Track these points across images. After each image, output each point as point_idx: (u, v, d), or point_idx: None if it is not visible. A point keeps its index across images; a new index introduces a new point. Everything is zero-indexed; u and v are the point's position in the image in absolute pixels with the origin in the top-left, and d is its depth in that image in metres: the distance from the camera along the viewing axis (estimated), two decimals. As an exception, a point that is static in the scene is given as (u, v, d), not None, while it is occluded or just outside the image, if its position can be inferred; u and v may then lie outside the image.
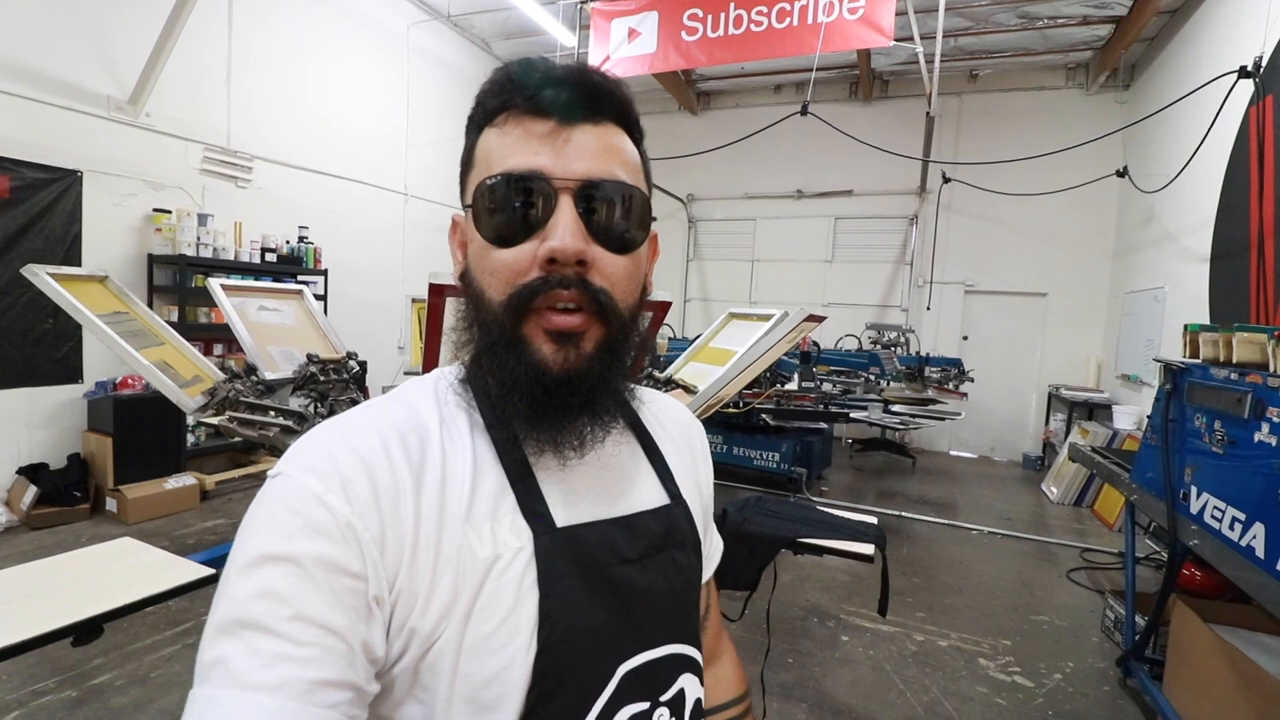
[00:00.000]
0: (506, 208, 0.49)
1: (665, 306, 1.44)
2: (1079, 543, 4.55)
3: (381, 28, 6.21)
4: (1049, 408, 7.16)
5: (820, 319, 2.32)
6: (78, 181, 4.08)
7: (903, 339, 6.62)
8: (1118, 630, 3.09)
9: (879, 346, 6.42)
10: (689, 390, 2.33)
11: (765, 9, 4.87)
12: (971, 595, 3.61)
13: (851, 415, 4.92)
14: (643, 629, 0.54)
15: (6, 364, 3.84)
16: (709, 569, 0.71)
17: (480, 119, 0.52)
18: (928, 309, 7.66)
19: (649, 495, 0.60)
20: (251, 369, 2.74)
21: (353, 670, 0.41)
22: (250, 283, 3.33)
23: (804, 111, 4.70)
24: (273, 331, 3.11)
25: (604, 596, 0.51)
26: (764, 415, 4.58)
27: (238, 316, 2.97)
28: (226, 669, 0.39)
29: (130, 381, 4.25)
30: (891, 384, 5.98)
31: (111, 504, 4.03)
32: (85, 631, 1.47)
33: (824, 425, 5.59)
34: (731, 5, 4.96)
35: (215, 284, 3.00)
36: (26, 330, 3.88)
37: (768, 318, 2.68)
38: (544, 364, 0.49)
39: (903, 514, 5.02)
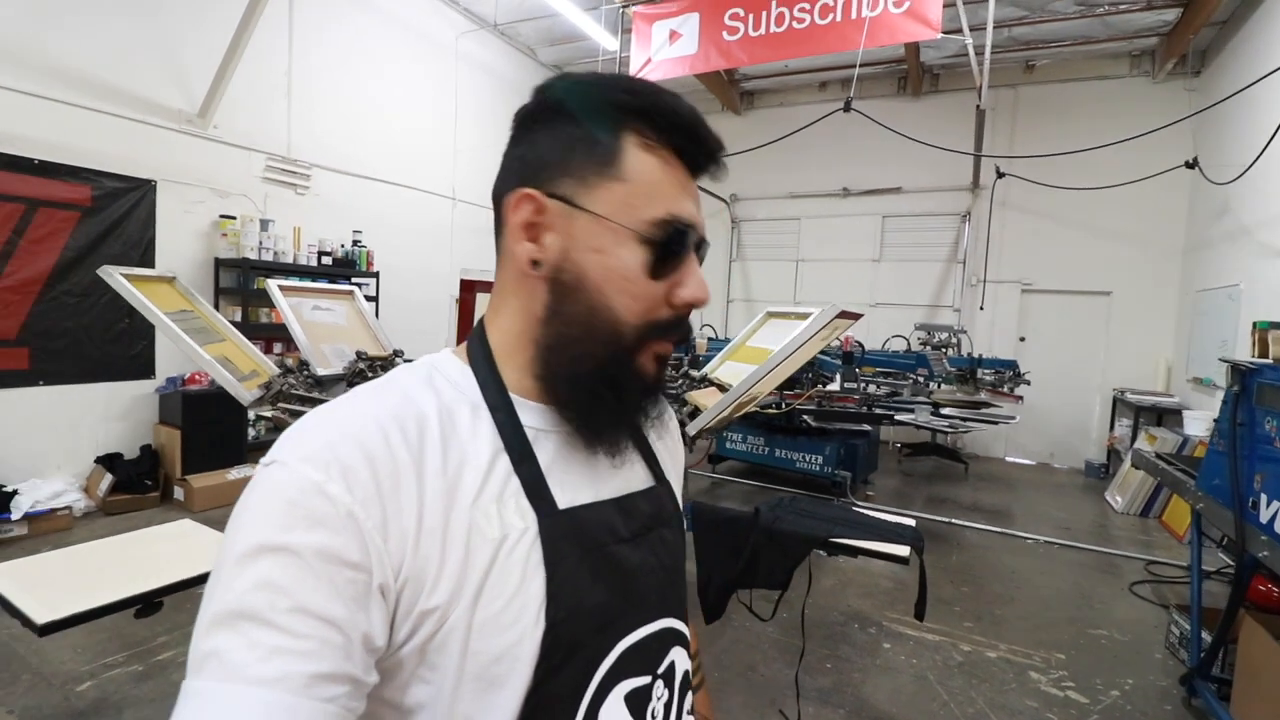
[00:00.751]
0: (672, 247, 0.53)
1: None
2: (1144, 555, 4.30)
3: (431, 38, 6.42)
4: (1114, 412, 6.79)
5: (856, 316, 2.27)
6: (152, 190, 4.36)
7: (954, 340, 6.40)
8: (1183, 647, 2.91)
9: (928, 348, 6.22)
10: (722, 388, 2.32)
11: (808, 6, 4.81)
12: (1024, 606, 3.46)
13: (897, 418, 4.79)
14: (640, 605, 0.56)
15: (88, 360, 4.13)
16: None
17: (617, 121, 0.52)
18: (981, 309, 7.39)
19: (638, 477, 0.62)
20: (304, 365, 2.87)
21: (351, 663, 0.41)
22: (305, 284, 3.48)
23: (847, 108, 4.61)
24: (325, 330, 3.25)
25: (604, 575, 0.53)
26: (805, 417, 4.51)
27: (293, 315, 3.11)
28: (222, 661, 0.38)
29: (198, 378, 4.51)
30: (942, 386, 5.79)
31: (179, 492, 4.28)
32: (147, 605, 1.58)
33: (868, 428, 5.46)
34: (773, 3, 4.92)
35: (273, 285, 3.15)
36: (105, 329, 4.16)
37: (805, 316, 2.64)
38: (649, 379, 0.56)
39: (953, 521, 4.86)
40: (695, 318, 7.77)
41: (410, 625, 0.45)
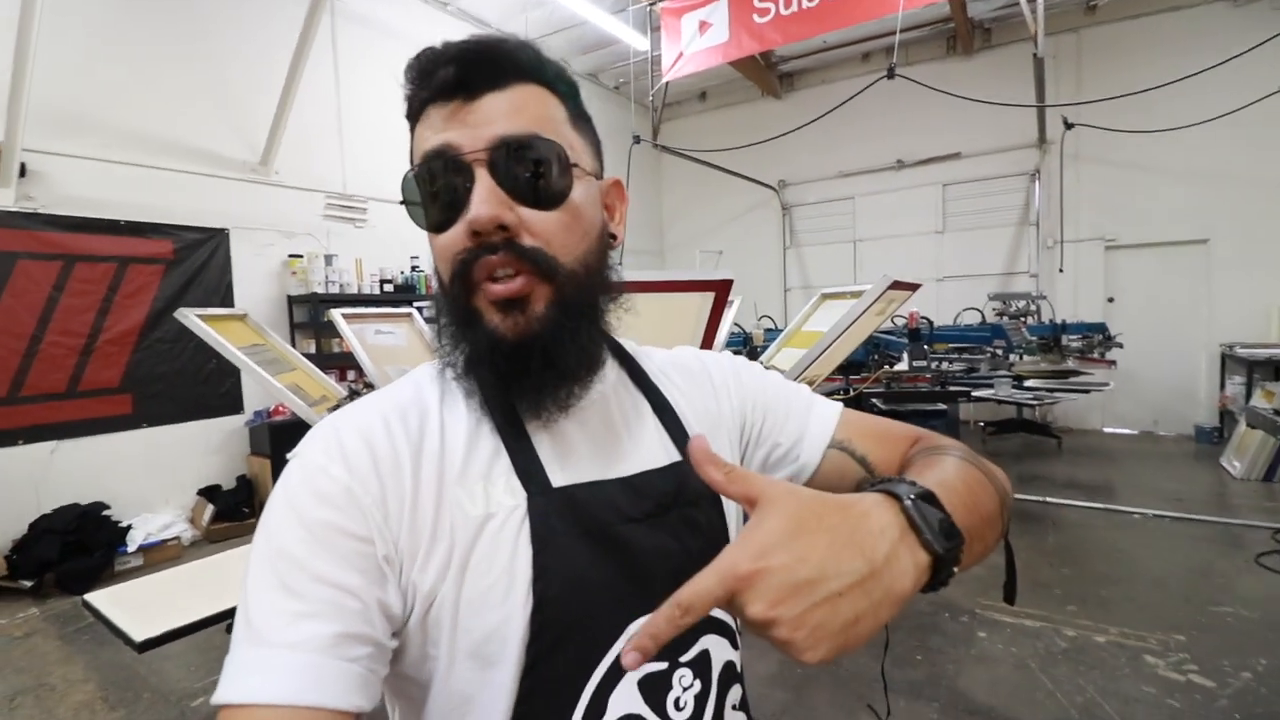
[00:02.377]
0: (431, 192, 0.50)
1: (726, 285, 1.40)
2: (1271, 523, 3.88)
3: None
4: (1223, 370, 6.18)
5: (913, 286, 2.15)
6: (226, 238, 4.67)
7: (1033, 307, 6.01)
8: (1328, 622, 2.60)
9: (1005, 318, 5.87)
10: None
11: (839, -26, 4.65)
12: (1134, 586, 3.19)
13: (975, 394, 4.53)
14: (652, 587, 0.52)
15: (183, 401, 4.46)
16: (812, 458, 0.63)
17: (411, 123, 0.53)
18: (1060, 271, 6.90)
19: (656, 453, 0.58)
20: (369, 386, 2.99)
21: (371, 626, 0.44)
22: (367, 310, 3.64)
23: (891, 75, 4.41)
24: (387, 352, 3.38)
25: (607, 555, 0.51)
26: (873, 400, 4.33)
27: (357, 341, 3.26)
28: (253, 630, 0.42)
29: (281, 409, 4.78)
30: (1024, 357, 5.44)
31: (273, 519, 4.54)
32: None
33: (944, 407, 5.19)
34: (803, -23, 4.78)
35: (337, 314, 3.31)
36: (196, 371, 4.48)
37: (860, 294, 2.53)
38: (496, 332, 0.50)
39: (1048, 499, 4.54)
40: (750, 309, 7.66)
41: (410, 598, 0.47)
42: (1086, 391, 4.82)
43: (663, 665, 0.52)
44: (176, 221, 4.40)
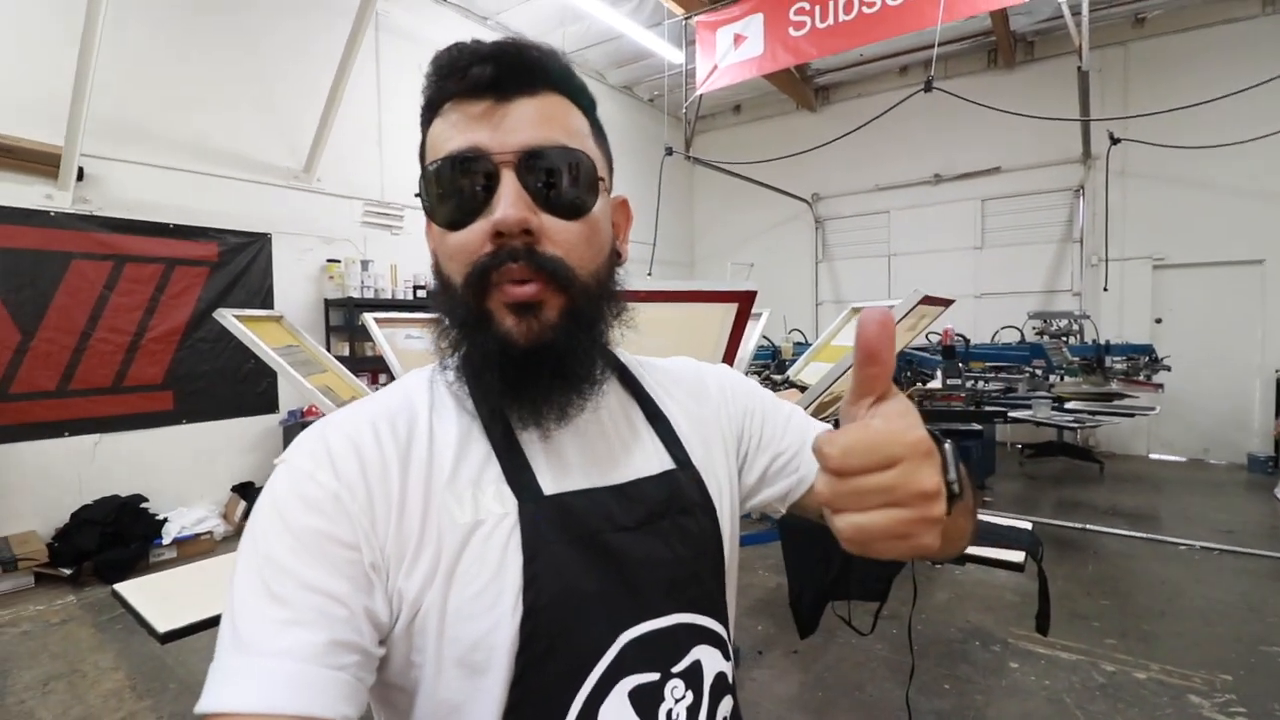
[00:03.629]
0: (452, 190, 0.49)
1: (750, 296, 1.38)
2: (1331, 559, 3.67)
3: (506, 75, 6.71)
4: (1279, 397, 5.89)
5: (945, 301, 2.09)
6: (268, 242, 4.82)
7: (1075, 327, 5.82)
8: (1394, 669, 2.43)
9: (1045, 337, 5.69)
10: (802, 389, 2.20)
11: (877, -13, 4.61)
12: (1179, 620, 3.03)
13: (1011, 415, 4.38)
14: (644, 597, 0.52)
15: (221, 399, 4.60)
16: (807, 476, 0.63)
17: (427, 116, 0.53)
18: (1105, 290, 6.67)
19: (649, 462, 0.58)
20: (397, 391, 3.03)
21: (358, 634, 0.43)
22: (398, 315, 3.70)
23: (928, 89, 4.34)
24: (417, 356, 3.43)
25: (599, 564, 0.51)
26: (905, 418, 4.22)
27: (388, 345, 3.31)
28: (239, 638, 0.41)
29: (315, 410, 4.89)
30: (1065, 378, 5.26)
31: (302, 517, 4.63)
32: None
33: (979, 427, 5.04)
34: (839, -10, 4.75)
35: (369, 318, 3.37)
36: (235, 370, 4.61)
37: (892, 309, 2.48)
38: (509, 336, 0.49)
39: (1088, 526, 4.36)
40: (779, 322, 7.60)
41: (395, 604, 0.47)
42: (1131, 415, 4.64)
43: (654, 676, 0.51)
44: (222, 226, 4.56)
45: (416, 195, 0.53)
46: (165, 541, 3.98)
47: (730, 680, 0.58)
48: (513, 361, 0.49)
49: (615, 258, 0.57)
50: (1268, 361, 6.06)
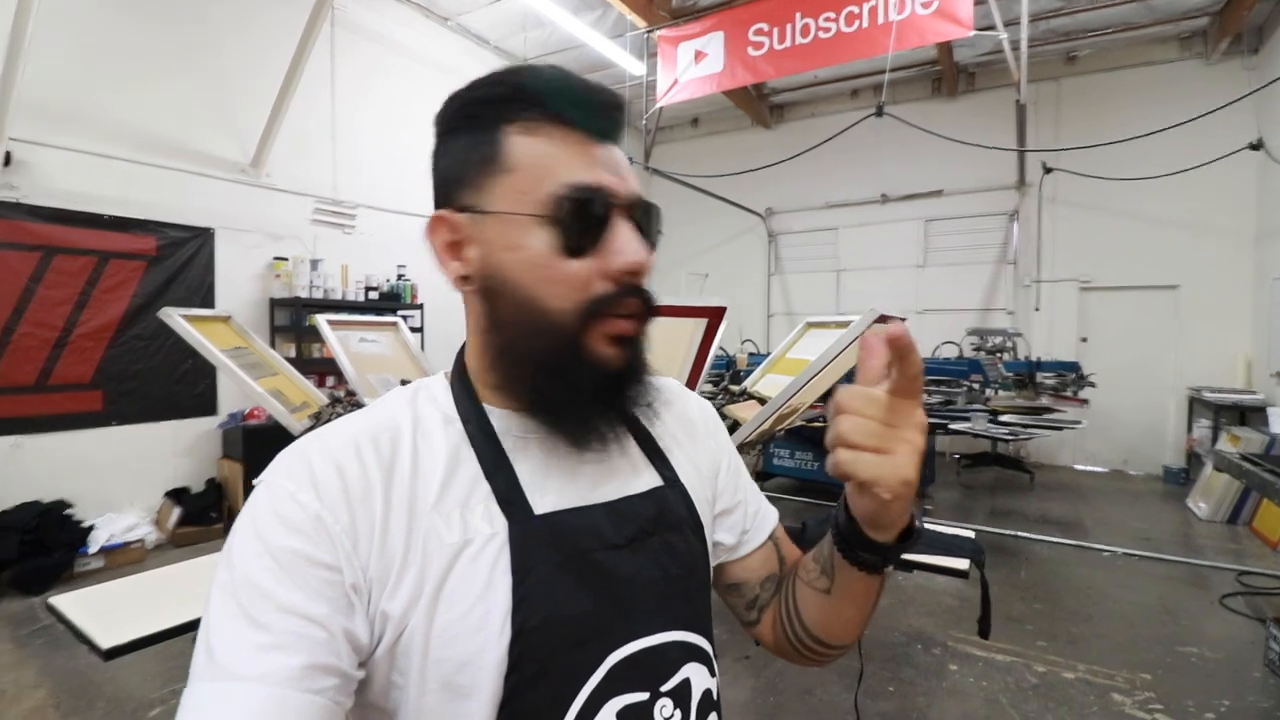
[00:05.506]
0: (580, 220, 0.50)
1: (720, 312, 1.42)
2: (1235, 565, 3.98)
3: (466, 77, 6.60)
4: (1190, 413, 6.37)
5: (898, 320, 2.20)
6: (211, 237, 4.62)
7: (1009, 344, 6.15)
8: (1287, 664, 2.66)
9: (982, 353, 5.99)
10: (761, 401, 2.27)
11: (833, 14, 4.78)
12: (1103, 623, 3.24)
13: (950, 427, 4.60)
14: (633, 616, 0.53)
15: (155, 400, 4.36)
16: (757, 537, 0.70)
17: (492, 117, 0.51)
18: (1036, 310, 7.09)
19: (638, 479, 0.59)
20: (351, 394, 2.95)
21: (337, 657, 0.43)
22: (352, 318, 3.60)
23: (879, 113, 4.54)
24: (372, 361, 3.35)
25: (589, 583, 0.51)
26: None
27: (341, 348, 3.21)
28: (215, 662, 0.40)
29: (256, 413, 4.69)
30: (1000, 393, 5.55)
31: (242, 525, 4.43)
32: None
33: (922, 438, 5.25)
34: (798, 15, 4.92)
35: (321, 320, 3.27)
36: (171, 370, 4.39)
37: (846, 325, 2.58)
38: (609, 363, 0.52)
39: (1020, 534, 4.60)
40: (734, 332, 7.72)
41: (378, 626, 0.46)
42: (1060, 429, 4.93)
43: (644, 695, 0.51)
44: (162, 219, 4.34)
45: (543, 215, 0.50)
46: (92, 550, 3.74)
47: (715, 697, 0.58)
48: (607, 385, 0.53)
49: None
50: (1181, 380, 6.55)
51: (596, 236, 0.50)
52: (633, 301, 0.52)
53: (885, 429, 0.46)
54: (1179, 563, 4.06)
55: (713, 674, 0.58)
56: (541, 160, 0.50)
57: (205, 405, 4.65)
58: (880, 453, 0.45)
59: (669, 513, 0.58)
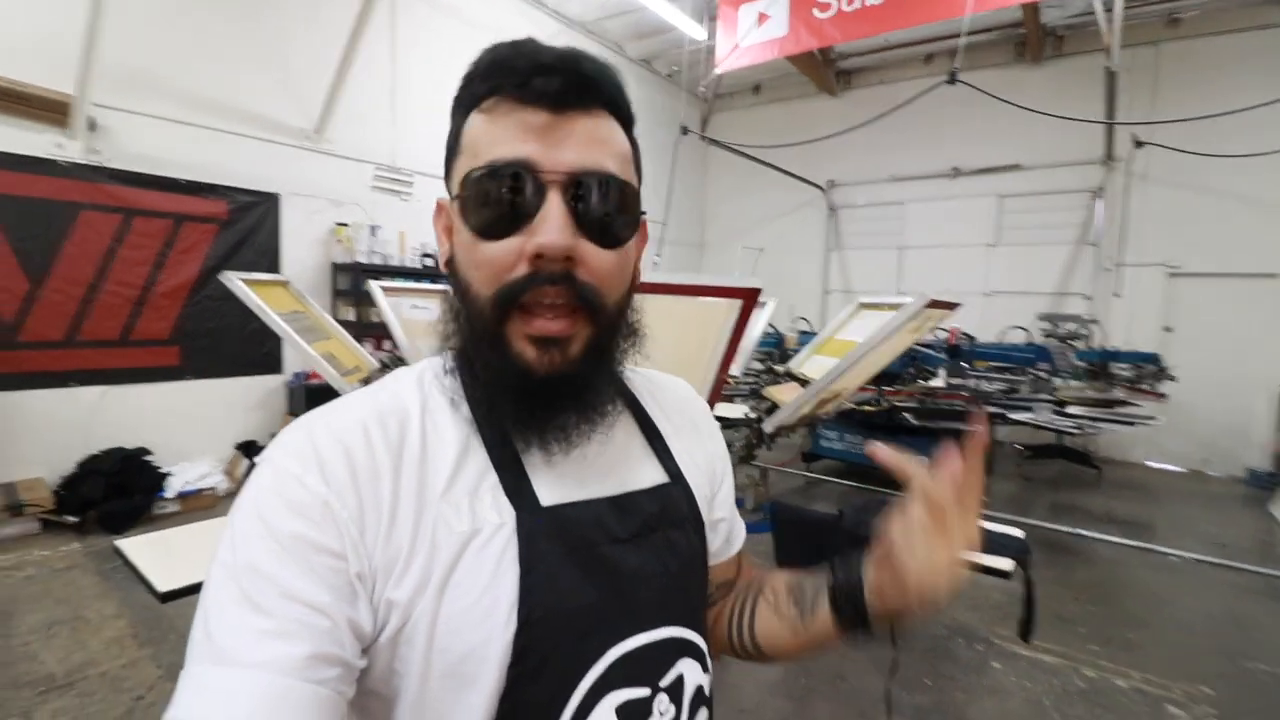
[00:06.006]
0: (493, 199, 0.47)
1: (754, 293, 1.37)
2: (1321, 579, 3.68)
3: (525, 43, 6.60)
4: (1283, 412, 5.87)
5: (951, 305, 2.08)
6: (277, 202, 4.80)
7: (1084, 331, 5.78)
8: (1372, 691, 2.46)
9: (1053, 339, 5.66)
10: (804, 384, 2.20)
11: (907, -27, 4.49)
12: (1163, 630, 3.06)
13: (1011, 416, 4.38)
14: (635, 610, 0.52)
15: (226, 357, 4.62)
16: (731, 546, 0.71)
17: (467, 102, 0.51)
18: (1117, 296, 6.62)
19: (644, 474, 0.58)
20: (400, 360, 3.04)
21: (340, 646, 0.42)
22: (404, 284, 3.69)
23: (952, 80, 4.26)
24: (422, 327, 3.43)
25: (593, 576, 0.50)
26: (905, 414, 4.23)
27: (392, 314, 3.31)
28: (216, 646, 0.40)
29: (318, 373, 4.90)
30: (1070, 382, 5.25)
31: (303, 478, 4.69)
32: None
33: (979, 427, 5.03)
34: (869, -26, 4.64)
35: (375, 286, 3.37)
36: (240, 329, 4.62)
37: (899, 307, 2.46)
38: (529, 367, 0.48)
39: (1080, 531, 4.38)
40: (786, 309, 7.56)
41: (382, 614, 0.45)
42: (1132, 424, 4.62)
43: (645, 691, 0.51)
44: (232, 183, 4.53)
45: (455, 196, 0.50)
46: (169, 495, 4.03)
47: (707, 693, 0.58)
48: (529, 391, 0.49)
49: (634, 281, 0.56)
50: (1275, 377, 6.02)
51: (518, 217, 0.47)
52: (549, 289, 0.47)
53: (935, 533, 0.49)
54: (1255, 573, 3.78)
55: (705, 669, 0.57)
56: (478, 139, 0.49)
57: (271, 364, 4.89)
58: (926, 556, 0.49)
59: (672, 509, 0.58)
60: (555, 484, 0.52)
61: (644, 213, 0.53)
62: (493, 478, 0.50)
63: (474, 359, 0.51)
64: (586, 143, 0.48)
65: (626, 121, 0.53)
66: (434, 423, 0.51)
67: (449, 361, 0.55)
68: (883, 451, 0.45)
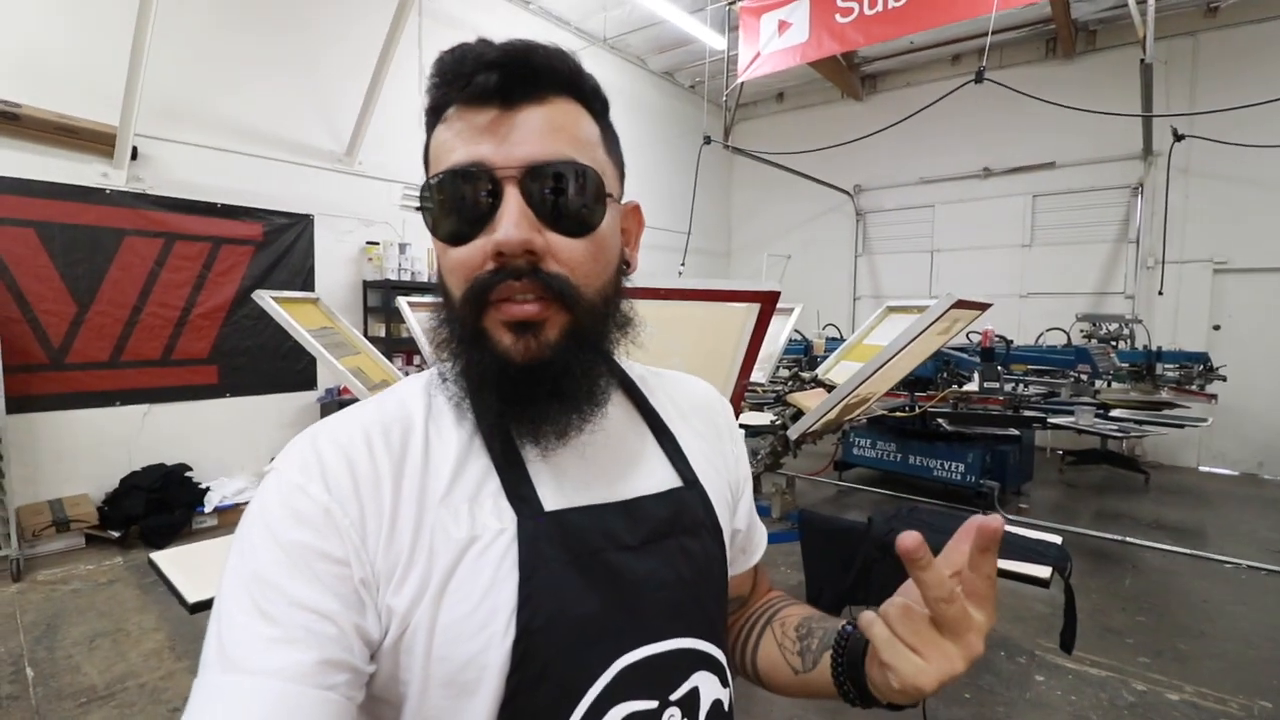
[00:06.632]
0: (453, 205, 0.48)
1: (773, 297, 1.35)
2: (1394, 588, 3.46)
3: (547, 60, 6.70)
4: (1346, 413, 5.57)
5: (981, 306, 2.02)
6: (310, 223, 4.94)
7: (1126, 331, 5.58)
8: None
9: (1094, 341, 5.47)
10: (830, 389, 2.16)
11: (929, -28, 4.44)
12: (1218, 642, 2.91)
13: (1051, 420, 4.24)
14: (644, 620, 0.51)
15: (263, 375, 4.75)
16: (749, 558, 0.70)
17: (431, 120, 0.51)
18: (1160, 294, 6.38)
19: (655, 478, 0.57)
20: (426, 374, 3.09)
21: (348, 652, 0.42)
22: (431, 299, 3.75)
23: (979, 79, 4.18)
24: (448, 341, 3.48)
25: (598, 584, 0.49)
26: (939, 420, 4.12)
27: (419, 329, 3.37)
28: (227, 655, 0.40)
29: (349, 390, 5.01)
30: (1112, 384, 5.06)
31: (336, 492, 4.79)
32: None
33: (1016, 432, 4.89)
34: (889, -24, 4.60)
35: (403, 302, 3.44)
36: (276, 348, 4.76)
37: (926, 309, 2.41)
38: (506, 354, 0.48)
39: (1128, 539, 4.21)
40: (812, 316, 7.47)
41: (384, 621, 0.46)
42: (1181, 426, 4.44)
43: (653, 704, 0.50)
44: (267, 206, 4.68)
45: (417, 207, 0.52)
46: (207, 510, 4.15)
47: (727, 708, 0.56)
48: (510, 380, 0.48)
49: (624, 269, 0.55)
50: (1335, 374, 5.72)
51: (480, 219, 0.47)
52: (515, 284, 0.47)
53: (930, 631, 0.46)
54: (1321, 582, 3.58)
55: (725, 684, 0.55)
56: (438, 150, 0.50)
57: (306, 381, 5.01)
58: (915, 651, 0.46)
59: (687, 515, 0.56)
60: (560, 488, 0.52)
61: (611, 195, 0.51)
62: (495, 482, 0.50)
63: (460, 360, 0.51)
64: (541, 133, 0.47)
65: (593, 105, 0.52)
66: (437, 428, 0.52)
67: (449, 370, 0.55)
68: (909, 540, 0.43)
